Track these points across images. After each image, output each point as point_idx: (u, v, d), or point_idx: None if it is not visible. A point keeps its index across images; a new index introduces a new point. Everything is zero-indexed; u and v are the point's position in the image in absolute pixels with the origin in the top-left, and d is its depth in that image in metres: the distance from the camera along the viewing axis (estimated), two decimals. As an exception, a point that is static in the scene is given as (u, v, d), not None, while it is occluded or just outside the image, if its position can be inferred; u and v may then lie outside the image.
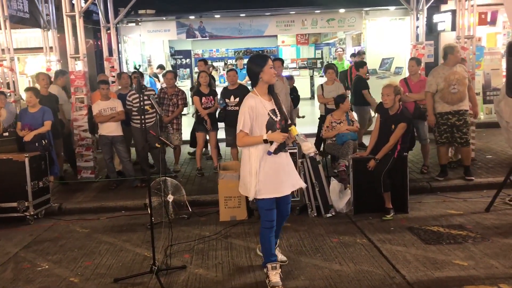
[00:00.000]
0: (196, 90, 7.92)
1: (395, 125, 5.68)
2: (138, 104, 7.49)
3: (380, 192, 5.68)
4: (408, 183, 5.91)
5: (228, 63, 20.89)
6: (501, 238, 4.85)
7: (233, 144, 7.89)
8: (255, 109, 3.76)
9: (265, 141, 3.72)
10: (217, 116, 7.99)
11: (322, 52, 21.75)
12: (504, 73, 11.37)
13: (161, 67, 13.80)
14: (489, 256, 4.39)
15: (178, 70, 19.87)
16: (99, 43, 10.86)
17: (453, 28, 9.48)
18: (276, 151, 3.76)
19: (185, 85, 17.94)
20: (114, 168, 7.58)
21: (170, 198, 5.93)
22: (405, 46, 10.99)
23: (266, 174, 3.79)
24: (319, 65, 21.54)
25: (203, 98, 7.74)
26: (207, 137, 8.15)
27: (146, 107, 7.09)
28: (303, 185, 4.18)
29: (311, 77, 21.30)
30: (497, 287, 3.79)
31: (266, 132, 3.76)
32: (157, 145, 4.70)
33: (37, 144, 6.45)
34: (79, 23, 7.73)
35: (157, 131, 7.49)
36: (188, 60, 20.95)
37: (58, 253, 5.11)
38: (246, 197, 6.01)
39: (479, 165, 7.58)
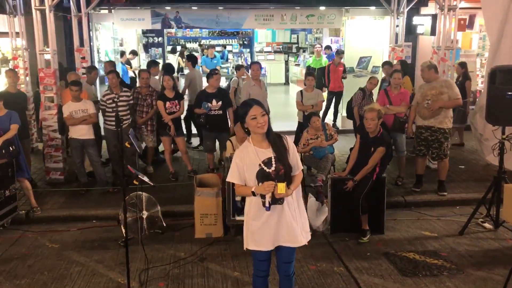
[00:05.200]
0: (160, 94, 7.66)
1: (374, 148, 5.64)
2: (112, 105, 7.24)
3: (357, 215, 5.67)
4: (385, 205, 5.92)
5: (203, 44, 20.41)
6: (474, 269, 4.92)
7: (211, 150, 7.75)
8: (245, 159, 3.48)
9: (253, 194, 3.44)
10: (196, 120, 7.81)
11: (298, 37, 21.54)
12: (478, 73, 11.54)
13: (133, 52, 13.36)
14: (464, 294, 4.45)
15: (150, 49, 19.36)
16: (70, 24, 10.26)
17: (433, 32, 9.44)
18: (270, 205, 3.43)
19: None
20: (85, 172, 7.33)
21: (144, 214, 5.76)
22: (383, 45, 10.94)
23: (259, 227, 3.54)
24: (294, 50, 21.38)
25: (168, 103, 7.48)
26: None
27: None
28: (302, 243, 3.61)
29: (286, 62, 21.16)
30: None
31: (258, 184, 3.45)
32: (126, 144, 4.50)
33: (3, 151, 6.13)
34: (49, 17, 7.30)
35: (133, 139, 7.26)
36: (160, 38, 20.30)
37: (26, 277, 4.90)
38: (223, 214, 5.95)
39: (452, 177, 7.67)
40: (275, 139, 3.52)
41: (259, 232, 3.55)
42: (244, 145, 3.58)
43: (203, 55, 15.66)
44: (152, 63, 9.29)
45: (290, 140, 3.61)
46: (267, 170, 3.44)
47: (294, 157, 3.58)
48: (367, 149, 5.70)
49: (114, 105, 7.25)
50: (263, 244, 3.57)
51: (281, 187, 3.30)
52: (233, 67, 15.60)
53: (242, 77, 9.10)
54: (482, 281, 4.69)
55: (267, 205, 3.40)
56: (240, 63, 15.75)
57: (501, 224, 5.88)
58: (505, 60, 7.02)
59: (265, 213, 3.48)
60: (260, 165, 3.44)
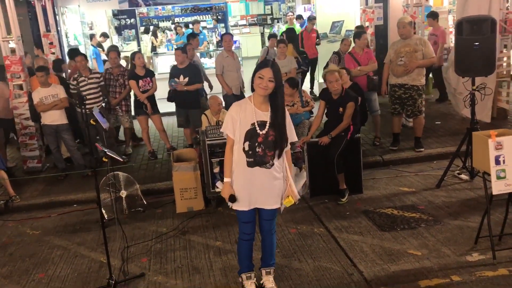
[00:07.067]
0: (130, 73, 7.51)
1: (343, 108, 5.65)
2: (85, 88, 7.12)
3: (334, 174, 5.71)
4: (362, 165, 5.97)
5: (176, 22, 20.06)
6: (451, 219, 5.01)
7: (185, 125, 7.69)
8: (240, 114, 3.51)
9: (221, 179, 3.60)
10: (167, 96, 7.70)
11: (271, 7, 21.33)
12: (451, 30, 11.51)
13: (104, 35, 13.11)
14: (441, 243, 4.53)
15: (123, 32, 19.01)
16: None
17: (403, -9, 9.38)
18: (252, 165, 3.53)
19: (131, 49, 17.19)
20: (61, 158, 7.26)
21: (123, 194, 5.75)
22: (355, 9, 10.87)
23: (241, 186, 3.62)
24: (269, 21, 21.19)
25: (140, 81, 7.38)
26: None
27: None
28: (278, 206, 3.76)
29: (262, 34, 20.97)
30: (449, 280, 3.93)
31: (244, 143, 3.51)
32: (91, 122, 4.45)
33: (-26, 143, 6.05)
34: (9, 3, 7.10)
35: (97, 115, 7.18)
36: (132, 20, 19.91)
37: (7, 265, 4.89)
38: (203, 187, 5.95)
39: (429, 133, 7.72)
40: (278, 108, 3.51)
41: (241, 191, 3.63)
42: (244, 101, 3.60)
43: (177, 33, 15.44)
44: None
45: (288, 114, 3.67)
46: (259, 131, 3.49)
47: (288, 130, 3.63)
48: (336, 111, 5.71)
49: (80, 88, 7.11)
50: (245, 204, 3.66)
51: (287, 202, 3.73)
52: (208, 43, 15.44)
53: (274, 48, 9.10)
54: (458, 229, 4.78)
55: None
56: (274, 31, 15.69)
57: (476, 174, 5.96)
58: (473, 11, 7.01)
59: (248, 174, 3.58)
60: (253, 124, 3.49)
